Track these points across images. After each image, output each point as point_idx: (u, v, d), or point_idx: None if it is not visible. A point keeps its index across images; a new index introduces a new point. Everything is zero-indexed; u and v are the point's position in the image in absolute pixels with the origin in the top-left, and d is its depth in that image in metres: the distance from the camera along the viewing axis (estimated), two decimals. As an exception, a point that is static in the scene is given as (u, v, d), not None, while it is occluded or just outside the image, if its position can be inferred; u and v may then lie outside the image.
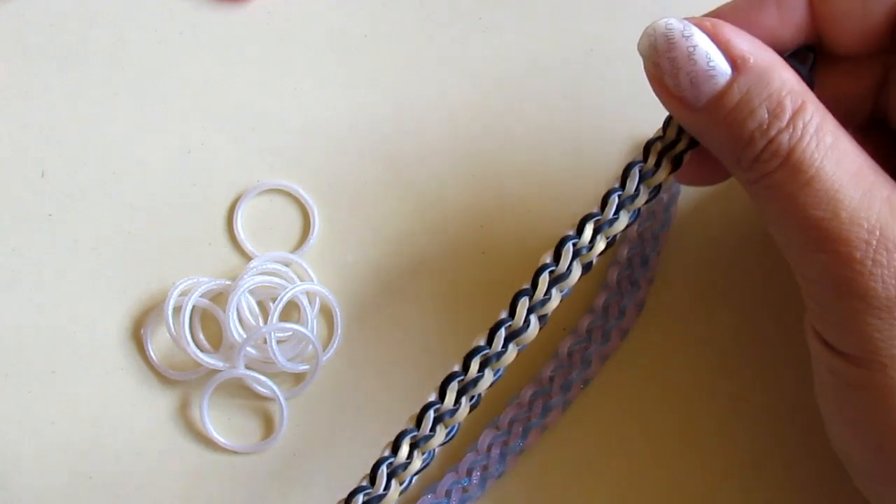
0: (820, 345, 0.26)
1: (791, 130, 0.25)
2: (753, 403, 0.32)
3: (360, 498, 0.27)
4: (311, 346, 0.32)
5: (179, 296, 0.32)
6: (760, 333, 0.33)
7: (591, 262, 0.28)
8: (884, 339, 0.25)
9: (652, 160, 0.28)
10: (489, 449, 0.32)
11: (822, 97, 0.26)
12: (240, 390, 0.32)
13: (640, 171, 0.28)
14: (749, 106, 0.25)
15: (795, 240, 0.26)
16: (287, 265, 0.33)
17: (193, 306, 0.32)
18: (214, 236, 0.33)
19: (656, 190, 0.28)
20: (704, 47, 0.26)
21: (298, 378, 0.33)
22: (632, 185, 0.28)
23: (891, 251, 0.24)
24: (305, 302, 0.32)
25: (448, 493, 0.32)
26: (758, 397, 0.32)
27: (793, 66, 0.26)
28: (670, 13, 0.34)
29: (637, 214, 0.28)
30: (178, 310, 0.32)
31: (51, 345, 0.32)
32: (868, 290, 0.25)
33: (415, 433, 0.28)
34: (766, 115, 0.25)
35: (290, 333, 0.32)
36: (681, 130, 0.28)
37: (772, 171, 0.25)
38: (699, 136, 0.27)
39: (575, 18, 0.34)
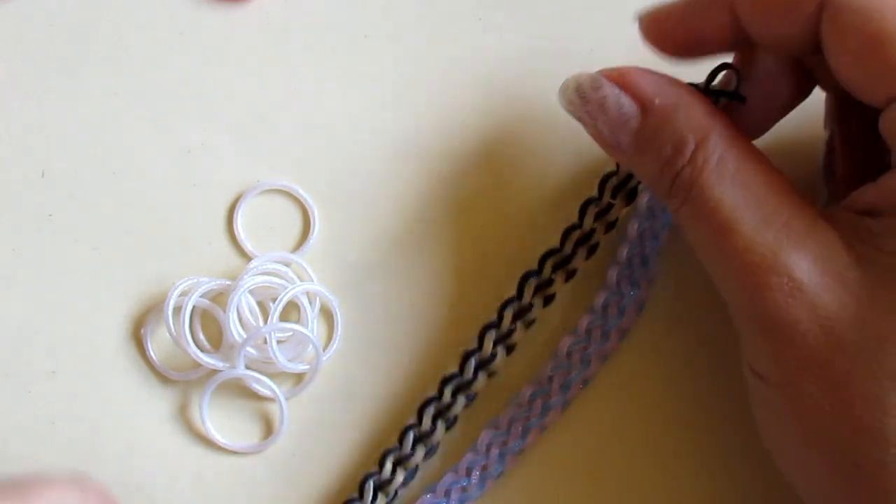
0: (749, 373, 0.28)
1: (692, 164, 0.26)
2: (753, 403, 0.32)
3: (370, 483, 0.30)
4: (311, 347, 0.32)
5: (179, 296, 0.32)
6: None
7: (554, 294, 0.32)
8: (784, 361, 0.26)
9: (607, 196, 0.31)
10: (488, 449, 0.32)
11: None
12: (240, 390, 0.32)
13: (596, 211, 0.31)
14: (657, 144, 0.27)
15: (710, 271, 0.28)
16: (287, 265, 0.33)
17: (193, 306, 0.32)
18: (214, 236, 0.33)
19: (613, 224, 0.32)
20: (614, 96, 0.27)
21: (298, 378, 0.33)
22: (589, 222, 0.31)
23: (781, 275, 0.25)
24: (305, 302, 0.32)
25: (447, 493, 0.32)
26: (757, 397, 0.32)
27: (712, 91, 0.28)
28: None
29: (595, 249, 0.32)
30: (178, 310, 0.32)
31: (51, 345, 0.32)
32: (764, 314, 0.26)
33: (398, 451, 0.31)
34: (670, 151, 0.27)
35: (290, 333, 0.32)
36: None
37: (680, 204, 0.27)
38: (635, 174, 0.30)
39: (575, 18, 0.34)
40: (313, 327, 0.32)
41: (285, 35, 0.34)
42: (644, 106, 0.27)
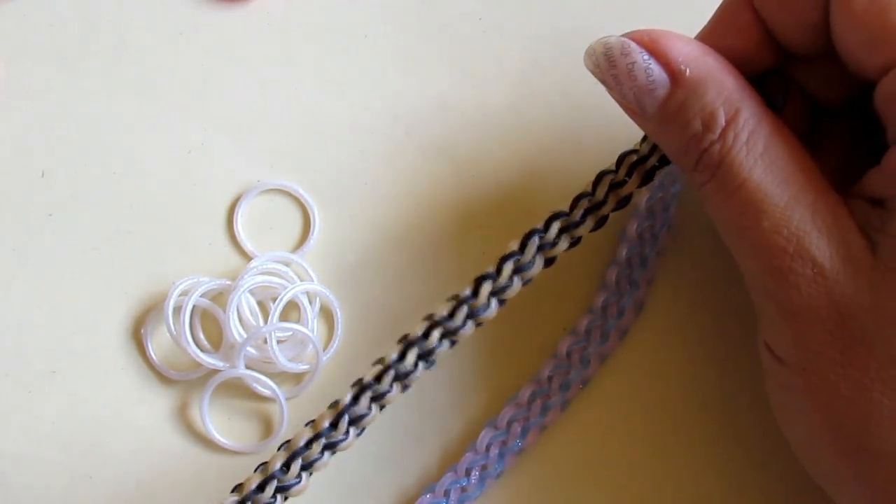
0: (767, 353, 0.27)
1: (722, 141, 0.26)
2: (753, 403, 0.32)
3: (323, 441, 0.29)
4: (311, 346, 0.32)
5: (179, 296, 0.32)
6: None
7: (555, 257, 0.29)
8: (804, 345, 0.26)
9: (623, 171, 0.29)
10: (488, 448, 0.32)
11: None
12: (240, 390, 0.33)
13: (610, 181, 0.29)
14: (685, 117, 0.26)
15: (732, 248, 0.27)
16: (287, 265, 0.33)
17: (193, 306, 0.32)
18: (214, 236, 0.33)
19: (625, 200, 0.29)
20: (643, 62, 0.27)
21: (298, 378, 0.33)
22: (602, 192, 0.29)
23: (805, 259, 0.25)
24: (305, 302, 0.32)
25: (447, 493, 0.32)
26: (757, 397, 0.32)
27: (764, 92, 0.27)
28: (670, 12, 0.34)
29: (604, 221, 0.29)
30: (178, 310, 0.32)
31: (51, 345, 0.32)
32: (786, 298, 0.26)
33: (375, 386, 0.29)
34: (700, 127, 0.26)
35: (290, 333, 0.32)
36: (654, 147, 0.29)
37: (706, 180, 0.27)
38: (658, 143, 0.28)
39: (575, 18, 0.34)
40: (313, 327, 0.32)
41: (285, 35, 0.34)
42: (674, 76, 0.26)
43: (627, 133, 0.34)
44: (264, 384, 0.32)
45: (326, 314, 0.33)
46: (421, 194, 0.34)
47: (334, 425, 0.29)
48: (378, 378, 0.29)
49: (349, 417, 0.29)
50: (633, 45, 0.27)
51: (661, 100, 0.27)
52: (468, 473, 0.32)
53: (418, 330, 0.29)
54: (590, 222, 0.29)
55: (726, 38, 0.27)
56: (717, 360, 0.33)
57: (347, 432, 0.29)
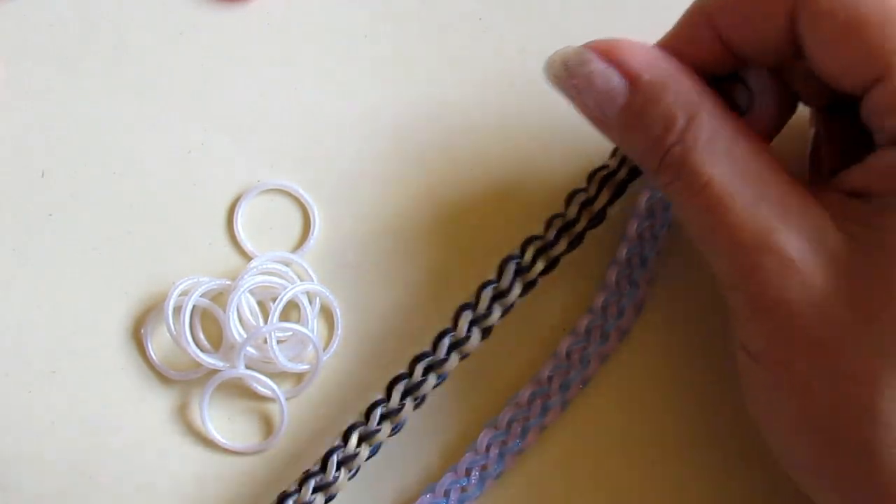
0: (741, 352, 0.27)
1: (683, 142, 0.26)
2: (752, 403, 0.32)
3: (312, 483, 0.30)
4: (311, 346, 0.32)
5: (179, 296, 0.32)
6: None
7: (535, 280, 0.30)
8: (776, 341, 0.26)
9: (594, 187, 0.30)
10: (488, 449, 0.32)
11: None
12: (240, 390, 0.33)
13: (582, 199, 0.30)
14: (645, 121, 0.27)
15: (702, 248, 0.27)
16: (287, 265, 0.33)
17: (193, 306, 0.32)
18: (214, 236, 0.33)
19: (599, 216, 0.30)
20: (601, 70, 0.27)
21: (299, 378, 0.33)
22: (573, 210, 0.30)
23: (774, 254, 0.25)
24: (305, 302, 0.32)
25: (447, 493, 0.32)
26: (757, 397, 0.32)
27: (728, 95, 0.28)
28: (671, 12, 0.34)
29: (580, 239, 0.30)
30: (178, 310, 0.32)
31: (51, 345, 0.32)
32: (757, 294, 0.26)
33: (364, 426, 0.30)
34: (660, 129, 0.26)
35: (290, 333, 0.32)
36: (623, 159, 0.30)
37: (670, 181, 0.27)
38: (623, 150, 0.29)
39: (576, 18, 0.34)
40: (313, 327, 0.32)
41: (285, 35, 0.34)
42: (632, 81, 0.27)
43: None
44: (264, 384, 0.32)
45: (326, 314, 0.33)
46: (421, 194, 0.34)
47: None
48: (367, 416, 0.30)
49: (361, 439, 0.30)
50: (591, 53, 0.27)
51: (622, 106, 0.27)
52: (468, 473, 0.32)
53: (405, 368, 0.31)
54: (564, 242, 0.30)
55: (685, 49, 0.28)
56: (717, 359, 0.33)
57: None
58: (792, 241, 0.25)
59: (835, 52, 0.25)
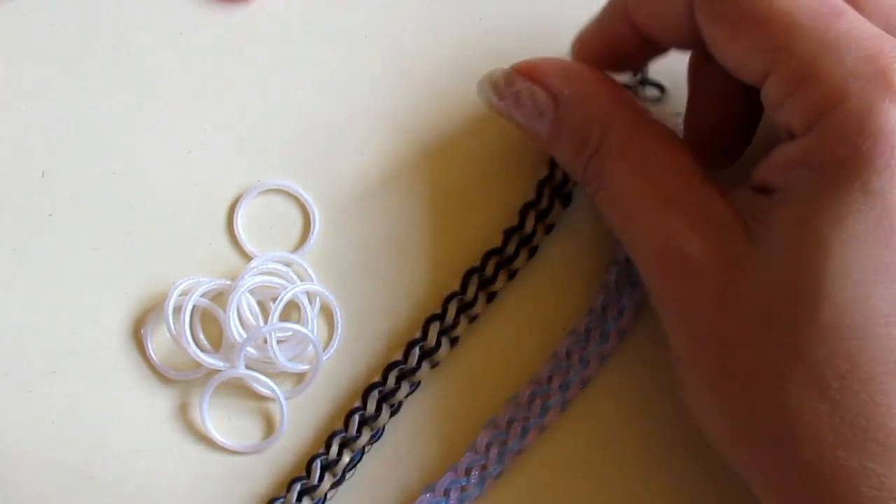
0: (671, 355, 0.28)
1: (598, 153, 0.28)
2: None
3: (297, 487, 0.31)
4: (311, 346, 0.32)
5: (179, 296, 0.32)
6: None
7: (496, 291, 0.32)
8: (690, 340, 0.27)
9: (545, 201, 0.32)
10: (488, 448, 0.32)
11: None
12: (240, 390, 0.33)
13: (536, 212, 0.32)
14: (568, 134, 0.28)
15: (629, 255, 0.29)
16: (287, 265, 0.33)
17: (193, 306, 0.32)
18: (214, 236, 0.33)
19: (550, 227, 0.32)
20: (527, 90, 0.29)
21: (299, 378, 0.33)
22: (530, 224, 0.32)
23: (678, 257, 0.26)
24: (305, 302, 0.32)
25: (447, 492, 0.32)
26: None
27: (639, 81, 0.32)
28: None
29: (535, 251, 0.32)
30: (178, 310, 0.32)
31: (51, 345, 0.32)
32: (670, 296, 0.27)
33: (343, 434, 0.31)
34: (580, 142, 0.28)
35: (290, 333, 0.32)
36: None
37: (593, 192, 0.28)
38: (558, 162, 0.30)
39: (577, 18, 0.34)
40: (313, 327, 0.32)
41: (285, 35, 0.34)
42: (554, 98, 0.29)
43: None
44: (264, 384, 0.32)
45: (326, 314, 0.33)
46: (421, 194, 0.34)
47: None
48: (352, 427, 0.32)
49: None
50: (517, 75, 0.29)
51: (550, 122, 0.29)
52: (468, 473, 0.32)
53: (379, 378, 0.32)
54: (524, 255, 0.32)
55: (608, 41, 0.30)
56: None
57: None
58: (696, 244, 0.26)
59: (725, 45, 0.26)
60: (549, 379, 0.32)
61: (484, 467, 0.32)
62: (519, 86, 0.29)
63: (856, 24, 0.25)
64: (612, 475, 0.32)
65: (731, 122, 0.30)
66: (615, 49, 0.30)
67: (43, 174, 0.33)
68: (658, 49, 0.30)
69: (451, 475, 0.32)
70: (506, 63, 0.34)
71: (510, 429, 0.32)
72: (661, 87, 0.33)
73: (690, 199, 0.27)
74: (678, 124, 0.32)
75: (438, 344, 0.32)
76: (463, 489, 0.32)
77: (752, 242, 0.26)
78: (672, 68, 0.33)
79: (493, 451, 0.32)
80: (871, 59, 0.24)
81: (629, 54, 0.30)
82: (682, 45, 0.29)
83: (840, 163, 0.24)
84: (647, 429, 0.33)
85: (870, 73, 0.24)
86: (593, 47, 0.30)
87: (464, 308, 0.32)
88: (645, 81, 0.33)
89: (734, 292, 0.26)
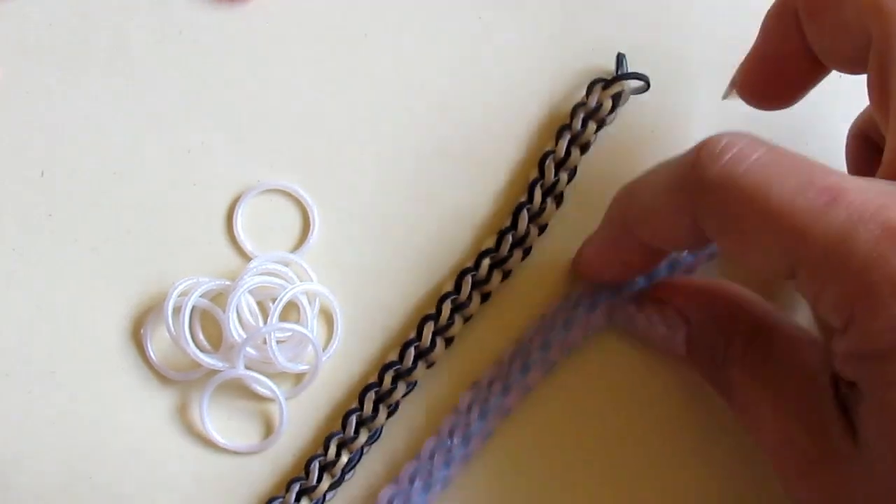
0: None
1: (730, 363, 0.29)
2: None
3: (296, 487, 0.31)
4: (310, 347, 0.32)
5: (179, 296, 0.32)
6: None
7: (490, 292, 0.32)
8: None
9: (538, 201, 0.32)
10: (469, 409, 0.32)
11: None
12: (240, 390, 0.33)
13: (529, 213, 0.32)
14: (701, 354, 0.30)
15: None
16: (287, 265, 0.33)
17: (193, 306, 0.32)
18: (214, 236, 0.33)
19: (543, 227, 0.33)
20: (658, 318, 0.31)
21: (298, 378, 0.33)
22: (523, 224, 0.32)
23: (792, 457, 0.27)
24: (305, 302, 0.32)
25: (431, 456, 0.31)
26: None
27: (620, 76, 0.33)
28: (672, 8, 0.34)
29: (529, 251, 0.32)
30: (177, 310, 0.32)
31: (51, 345, 0.32)
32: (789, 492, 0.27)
33: (340, 434, 0.31)
34: (720, 358, 0.29)
35: (289, 334, 0.32)
36: (558, 167, 0.33)
37: (722, 393, 0.30)
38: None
39: (577, 18, 0.34)
40: (313, 327, 0.32)
41: (285, 35, 0.34)
42: (686, 320, 0.31)
43: (629, 133, 0.34)
44: (264, 384, 0.32)
45: (326, 314, 0.33)
46: (421, 194, 0.34)
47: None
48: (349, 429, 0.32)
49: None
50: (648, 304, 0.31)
51: (684, 336, 0.30)
52: (451, 435, 0.31)
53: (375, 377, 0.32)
54: (517, 255, 0.32)
55: (609, 262, 0.31)
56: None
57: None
58: (809, 450, 0.26)
59: (742, 258, 0.26)
60: (531, 339, 0.32)
61: (467, 426, 0.31)
62: (654, 317, 0.31)
63: (856, 201, 0.23)
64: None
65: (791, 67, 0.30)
66: (620, 262, 0.31)
67: (43, 174, 0.33)
68: (664, 254, 0.31)
69: (432, 440, 0.31)
70: (505, 63, 0.34)
71: (491, 388, 0.32)
72: (645, 80, 0.33)
73: (806, 403, 0.27)
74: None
75: (434, 344, 0.32)
76: (448, 451, 0.31)
77: (855, 441, 0.25)
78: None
79: (475, 411, 0.32)
80: (882, 237, 0.23)
81: (634, 264, 0.31)
82: (690, 250, 0.31)
83: (889, 352, 0.23)
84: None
85: (888, 251, 0.23)
86: (595, 266, 0.31)
87: (458, 308, 0.32)
88: (629, 75, 0.33)
89: (846, 494, 0.25)
